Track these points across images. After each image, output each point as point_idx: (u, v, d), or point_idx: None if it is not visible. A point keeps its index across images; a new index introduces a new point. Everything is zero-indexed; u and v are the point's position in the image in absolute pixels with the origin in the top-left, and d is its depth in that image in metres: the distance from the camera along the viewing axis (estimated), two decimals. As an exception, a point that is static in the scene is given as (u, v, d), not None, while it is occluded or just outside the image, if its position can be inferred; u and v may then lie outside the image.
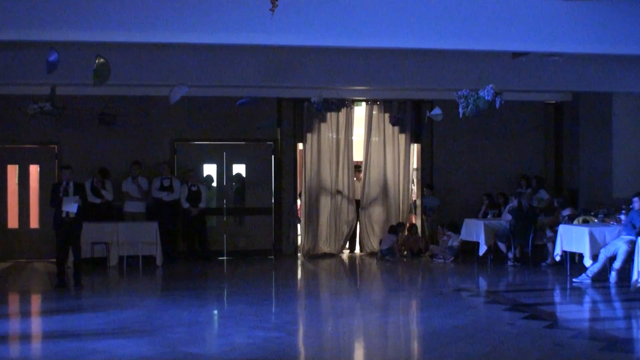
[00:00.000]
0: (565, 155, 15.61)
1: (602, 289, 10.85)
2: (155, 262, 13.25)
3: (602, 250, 11.25)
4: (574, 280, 11.39)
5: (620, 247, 10.99)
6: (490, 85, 9.28)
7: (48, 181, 13.84)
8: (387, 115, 15.15)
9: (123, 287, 11.80)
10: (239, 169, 15.23)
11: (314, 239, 14.95)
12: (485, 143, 15.54)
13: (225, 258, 14.68)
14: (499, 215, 14.15)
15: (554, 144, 15.81)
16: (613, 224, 12.01)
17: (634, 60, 11.22)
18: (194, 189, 14.21)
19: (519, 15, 8.78)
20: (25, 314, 9.72)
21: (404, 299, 10.79)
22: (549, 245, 13.18)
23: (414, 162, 15.72)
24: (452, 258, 13.88)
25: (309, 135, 15.02)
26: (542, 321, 8.50)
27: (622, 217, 11.99)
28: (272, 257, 14.79)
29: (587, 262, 11.49)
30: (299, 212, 15.19)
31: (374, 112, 15.28)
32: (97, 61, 8.55)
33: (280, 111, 14.95)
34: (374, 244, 15.12)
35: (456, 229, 14.06)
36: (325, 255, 14.91)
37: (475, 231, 13.44)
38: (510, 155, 15.60)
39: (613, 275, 11.07)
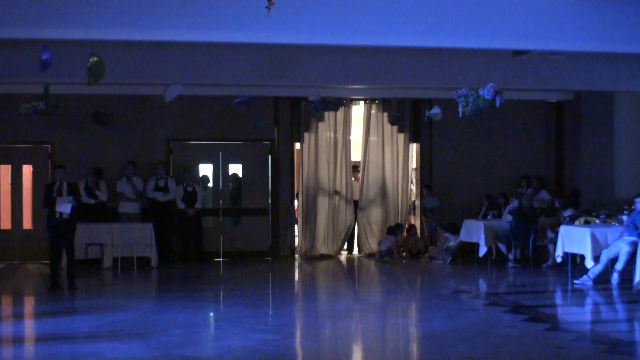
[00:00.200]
0: (566, 155, 15.49)
1: (603, 291, 10.79)
2: (150, 264, 13.15)
3: (604, 252, 11.19)
4: (575, 281, 11.33)
5: (622, 248, 10.91)
6: (490, 84, 9.24)
7: (41, 181, 13.69)
8: (385, 114, 15.04)
9: (117, 289, 11.71)
10: (236, 169, 15.12)
11: (312, 240, 14.82)
12: (485, 143, 15.43)
13: (221, 259, 14.56)
14: (500, 215, 14.05)
15: (555, 143, 15.70)
16: (615, 225, 11.95)
17: (638, 59, 11.11)
18: (189, 189, 14.10)
19: (519, 13, 8.70)
20: (17, 316, 9.60)
21: (403, 301, 10.76)
22: (550, 246, 13.11)
23: (413, 162, 15.63)
24: (449, 259, 13.75)
25: (306, 135, 14.89)
26: (543, 323, 8.45)
27: (624, 217, 11.90)
28: (269, 258, 14.67)
29: (589, 263, 11.42)
30: (296, 213, 15.07)
31: (373, 111, 15.15)
32: (91, 59, 8.47)
33: (277, 110, 14.83)
34: (373, 245, 14.99)
35: (454, 229, 13.94)
36: (323, 257, 14.80)
37: (475, 232, 13.35)
38: (510, 155, 15.48)
39: (615, 277, 10.99)
